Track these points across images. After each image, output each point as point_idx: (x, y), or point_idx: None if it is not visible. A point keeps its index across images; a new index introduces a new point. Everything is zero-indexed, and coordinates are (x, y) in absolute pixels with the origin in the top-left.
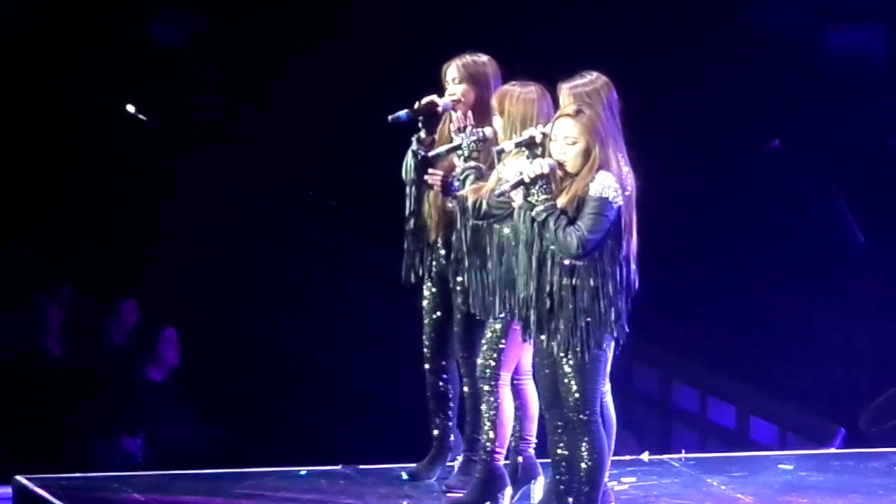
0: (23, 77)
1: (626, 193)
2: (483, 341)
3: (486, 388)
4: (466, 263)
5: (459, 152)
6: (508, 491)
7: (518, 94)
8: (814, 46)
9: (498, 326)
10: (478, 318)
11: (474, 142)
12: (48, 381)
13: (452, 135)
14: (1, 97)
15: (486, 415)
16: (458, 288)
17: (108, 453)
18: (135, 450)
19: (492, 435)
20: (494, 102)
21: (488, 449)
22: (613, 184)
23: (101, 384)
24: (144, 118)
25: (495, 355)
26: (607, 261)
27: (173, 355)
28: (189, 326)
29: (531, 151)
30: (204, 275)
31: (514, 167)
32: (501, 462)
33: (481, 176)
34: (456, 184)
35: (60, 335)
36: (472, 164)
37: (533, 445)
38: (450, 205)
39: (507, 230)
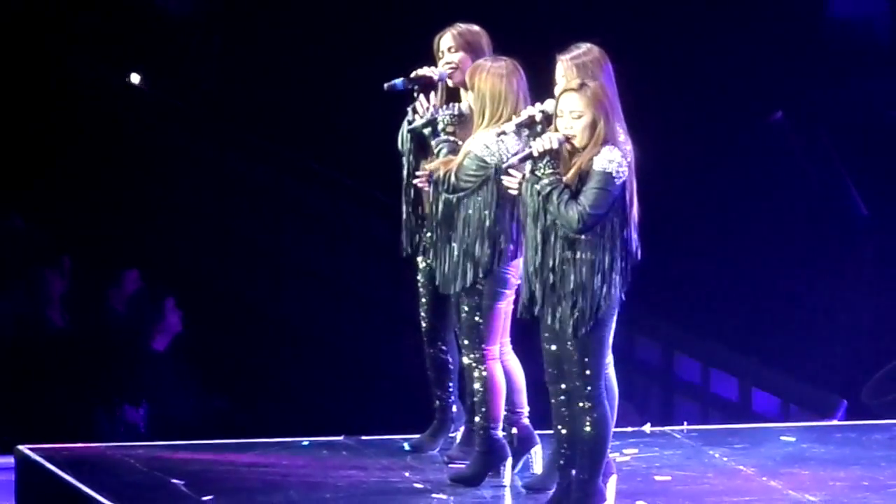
0: (24, 45)
1: (628, 161)
2: (459, 320)
3: (472, 364)
4: (434, 237)
5: (438, 126)
6: (509, 462)
7: (489, 69)
8: (816, 17)
9: (466, 304)
10: (441, 292)
11: (449, 115)
12: (50, 352)
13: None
14: (3, 66)
15: (477, 391)
16: (430, 262)
17: (110, 423)
18: (137, 420)
19: (484, 409)
20: (466, 78)
21: (483, 424)
22: (618, 158)
23: (104, 354)
24: (146, 88)
25: (475, 331)
26: (608, 236)
27: (176, 324)
28: (191, 296)
29: (531, 131)
30: (206, 244)
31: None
32: (499, 433)
33: (455, 150)
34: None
35: (62, 305)
36: (445, 137)
37: (526, 415)
38: None
39: (473, 204)
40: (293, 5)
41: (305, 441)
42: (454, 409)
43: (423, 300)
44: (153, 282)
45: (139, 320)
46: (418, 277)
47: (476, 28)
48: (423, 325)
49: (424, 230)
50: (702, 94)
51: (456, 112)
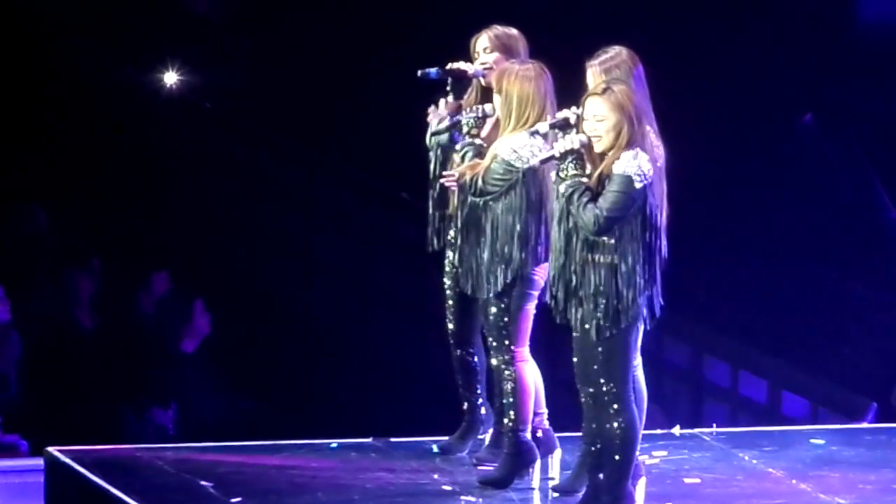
0: (56, 46)
1: (658, 165)
2: (487, 322)
3: (501, 366)
4: (460, 240)
5: (462, 129)
6: (538, 465)
7: (516, 72)
8: (846, 18)
9: (495, 306)
10: (469, 295)
11: (473, 118)
12: (79, 353)
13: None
14: (35, 66)
15: (506, 392)
16: (455, 263)
17: (139, 425)
18: (166, 422)
19: (513, 413)
20: (493, 80)
21: (512, 426)
22: (641, 162)
23: (133, 356)
24: (175, 89)
25: (504, 332)
26: (628, 239)
27: (204, 326)
28: (220, 298)
29: (565, 133)
30: (235, 246)
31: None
32: (528, 436)
33: (480, 153)
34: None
35: (91, 307)
36: (470, 140)
37: (545, 418)
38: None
39: (501, 207)
40: (322, 6)
41: (334, 443)
42: (483, 410)
43: (450, 302)
44: (182, 284)
45: (168, 322)
46: (444, 280)
47: (513, 31)
48: (450, 327)
49: (450, 230)
50: (732, 97)
51: (480, 115)
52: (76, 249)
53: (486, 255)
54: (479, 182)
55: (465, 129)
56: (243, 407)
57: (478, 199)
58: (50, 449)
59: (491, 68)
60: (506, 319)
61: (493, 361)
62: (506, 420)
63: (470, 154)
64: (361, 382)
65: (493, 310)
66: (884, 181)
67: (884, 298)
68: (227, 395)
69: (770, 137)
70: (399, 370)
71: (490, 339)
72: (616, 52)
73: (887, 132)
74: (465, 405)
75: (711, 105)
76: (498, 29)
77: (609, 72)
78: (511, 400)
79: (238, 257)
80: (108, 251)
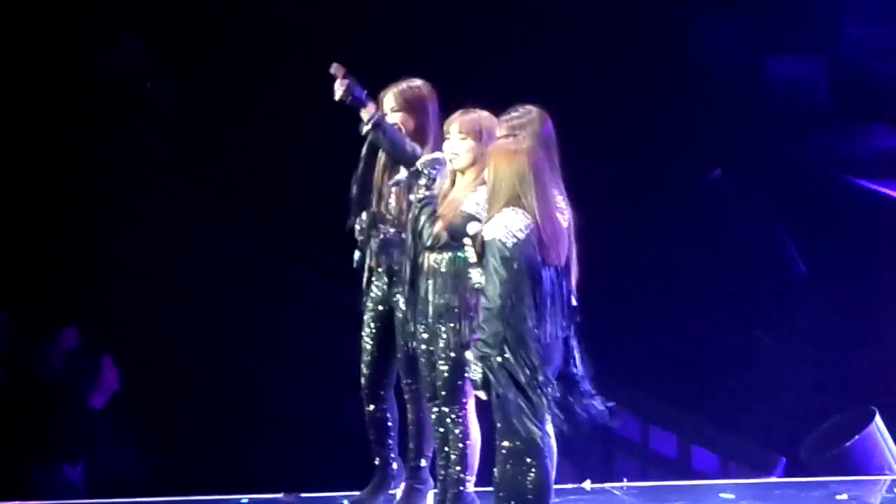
0: None
1: (565, 226)
2: (443, 371)
3: (454, 417)
4: (407, 290)
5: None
6: None
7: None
8: (756, 77)
9: (458, 355)
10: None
11: (430, 166)
12: None
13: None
14: None
15: (453, 444)
16: (400, 315)
17: (48, 481)
18: (75, 477)
19: (460, 465)
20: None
21: (457, 478)
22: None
23: (41, 411)
24: (84, 143)
25: (460, 383)
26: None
27: (113, 381)
28: (129, 353)
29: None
30: (143, 301)
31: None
32: (471, 490)
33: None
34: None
35: None
36: (427, 192)
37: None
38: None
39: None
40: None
41: (245, 499)
42: (394, 465)
43: (365, 357)
44: (90, 339)
45: (77, 377)
46: (363, 333)
47: (418, 83)
48: (364, 381)
49: (373, 283)
50: (643, 153)
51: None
52: None
53: (440, 310)
54: (444, 236)
55: (423, 181)
56: (153, 462)
57: (424, 251)
58: None
59: (399, 128)
60: (460, 375)
61: (441, 412)
62: (452, 469)
63: (429, 209)
64: (272, 437)
65: (453, 355)
66: (792, 237)
67: (793, 353)
68: (136, 450)
69: (679, 193)
70: (310, 425)
71: (442, 392)
72: (524, 111)
73: (795, 189)
74: (377, 460)
75: (622, 161)
76: (402, 85)
77: (510, 129)
78: (459, 452)
79: (146, 312)
80: (17, 305)
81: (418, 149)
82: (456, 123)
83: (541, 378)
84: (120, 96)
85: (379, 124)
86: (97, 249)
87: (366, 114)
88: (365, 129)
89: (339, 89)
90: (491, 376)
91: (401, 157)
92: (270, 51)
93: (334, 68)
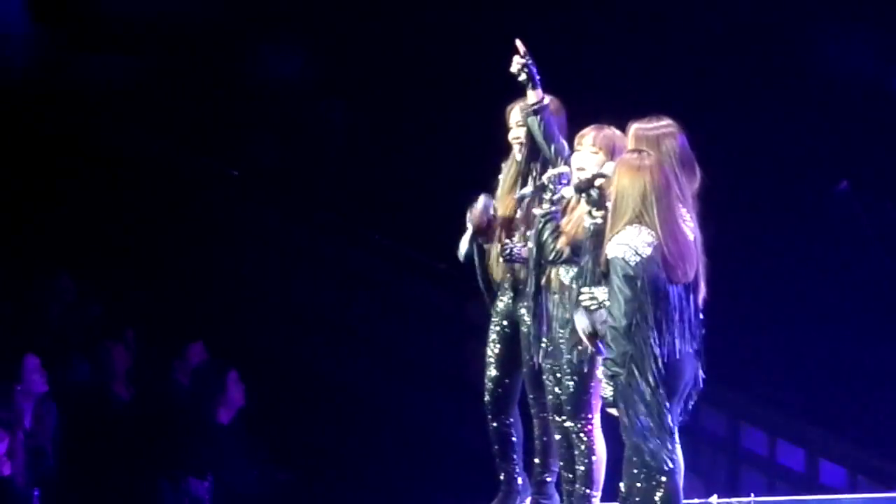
0: (87, 120)
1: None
2: (569, 385)
3: (579, 432)
4: (533, 305)
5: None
6: None
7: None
8: (881, 89)
9: (584, 370)
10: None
11: (556, 181)
12: (116, 425)
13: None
14: (64, 139)
15: (578, 459)
16: (525, 329)
17: (176, 497)
18: (203, 493)
19: (585, 480)
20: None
21: (583, 493)
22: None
23: (169, 427)
24: (210, 161)
25: (585, 398)
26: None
27: (239, 397)
28: (255, 368)
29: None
30: (269, 317)
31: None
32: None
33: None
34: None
35: (127, 378)
36: (552, 207)
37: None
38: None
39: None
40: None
41: None
42: (519, 481)
43: (490, 372)
44: (217, 354)
45: (203, 393)
46: (487, 347)
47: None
48: (487, 397)
49: (497, 299)
50: (770, 166)
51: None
52: (110, 321)
53: (564, 324)
54: (566, 252)
55: (549, 196)
56: (279, 478)
57: (558, 267)
58: None
59: (522, 142)
60: (592, 384)
61: (567, 427)
62: (577, 486)
63: (552, 224)
64: (397, 453)
65: (583, 370)
66: None
67: None
68: (262, 466)
69: (806, 206)
70: (435, 440)
71: (567, 406)
72: (657, 125)
73: None
74: (502, 475)
75: (750, 174)
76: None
77: (639, 140)
78: (585, 468)
79: (272, 328)
80: (143, 322)
81: (566, 149)
82: (589, 136)
83: (662, 394)
84: (237, 119)
85: (541, 110)
86: (222, 266)
87: (534, 96)
88: (527, 110)
89: (517, 62)
90: (619, 394)
91: (545, 149)
92: (399, 69)
93: (518, 43)
